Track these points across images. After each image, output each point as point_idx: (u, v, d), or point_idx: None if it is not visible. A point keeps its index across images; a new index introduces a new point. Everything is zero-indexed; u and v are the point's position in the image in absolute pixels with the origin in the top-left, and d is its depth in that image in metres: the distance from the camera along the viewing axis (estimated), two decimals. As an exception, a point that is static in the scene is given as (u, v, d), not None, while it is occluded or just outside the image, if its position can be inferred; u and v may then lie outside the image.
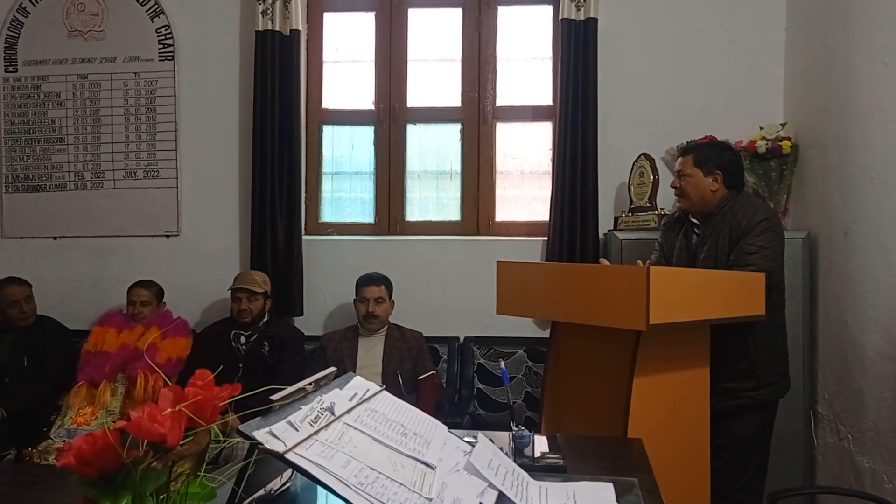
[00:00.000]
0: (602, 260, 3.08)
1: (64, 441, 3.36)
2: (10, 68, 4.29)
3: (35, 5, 4.26)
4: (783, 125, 3.72)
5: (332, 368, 1.41)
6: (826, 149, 3.36)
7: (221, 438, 1.09)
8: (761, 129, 3.71)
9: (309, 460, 1.10)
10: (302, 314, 4.05)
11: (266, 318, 3.78)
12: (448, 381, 3.89)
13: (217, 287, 3.97)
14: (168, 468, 0.97)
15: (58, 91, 4.27)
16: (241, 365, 3.61)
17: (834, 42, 3.31)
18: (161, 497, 1.00)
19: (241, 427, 1.09)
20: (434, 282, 4.08)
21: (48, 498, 1.61)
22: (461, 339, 4.04)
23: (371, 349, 3.69)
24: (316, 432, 1.16)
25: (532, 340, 3.90)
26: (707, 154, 2.89)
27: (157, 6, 4.19)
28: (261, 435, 1.09)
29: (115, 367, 3.64)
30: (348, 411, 1.28)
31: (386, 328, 3.75)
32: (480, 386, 3.90)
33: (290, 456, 1.09)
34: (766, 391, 2.78)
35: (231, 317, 3.77)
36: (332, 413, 1.24)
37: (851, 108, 3.12)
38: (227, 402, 1.08)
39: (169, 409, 0.96)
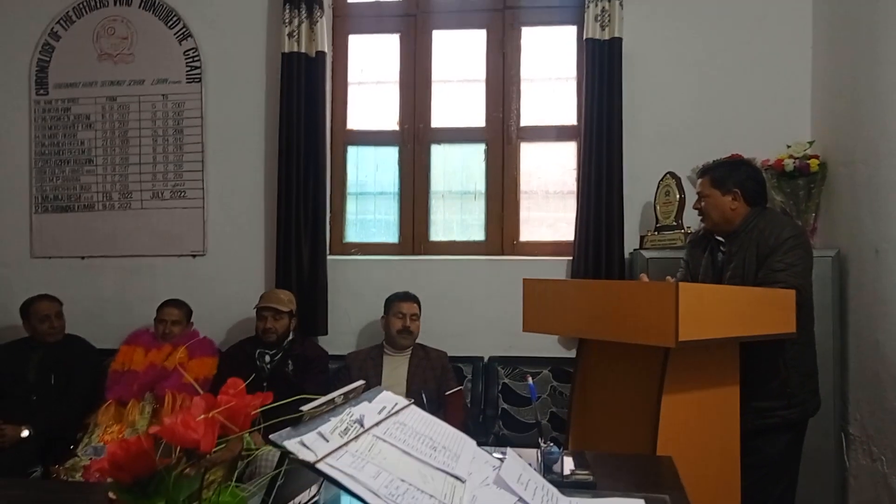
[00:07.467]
0: (642, 276, 3.02)
1: (91, 458, 3.37)
2: (41, 91, 4.37)
3: (66, 30, 4.35)
4: (811, 143, 3.68)
5: (361, 382, 1.40)
6: (855, 167, 3.32)
7: (253, 447, 1.09)
8: (788, 147, 3.67)
9: (340, 470, 1.09)
10: (326, 333, 4.06)
11: (291, 338, 3.78)
12: (472, 401, 3.87)
13: (242, 306, 4.00)
14: (201, 475, 0.96)
15: (87, 113, 4.35)
16: (265, 384, 3.59)
17: (861, 59, 3.28)
18: (193, 504, 0.99)
19: (271, 436, 1.08)
20: (458, 302, 4.07)
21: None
22: (485, 359, 4.02)
23: (396, 368, 3.68)
24: (346, 443, 1.15)
25: (557, 360, 3.86)
26: (722, 173, 2.89)
27: (185, 29, 4.26)
28: (291, 445, 1.08)
29: (144, 386, 3.65)
30: (377, 424, 1.28)
31: (411, 348, 3.74)
32: (505, 406, 3.87)
33: (320, 466, 1.08)
34: (797, 410, 2.74)
35: (256, 336, 3.78)
36: (362, 425, 1.24)
37: (880, 126, 3.08)
38: (256, 414, 1.08)
39: (202, 416, 0.96)
